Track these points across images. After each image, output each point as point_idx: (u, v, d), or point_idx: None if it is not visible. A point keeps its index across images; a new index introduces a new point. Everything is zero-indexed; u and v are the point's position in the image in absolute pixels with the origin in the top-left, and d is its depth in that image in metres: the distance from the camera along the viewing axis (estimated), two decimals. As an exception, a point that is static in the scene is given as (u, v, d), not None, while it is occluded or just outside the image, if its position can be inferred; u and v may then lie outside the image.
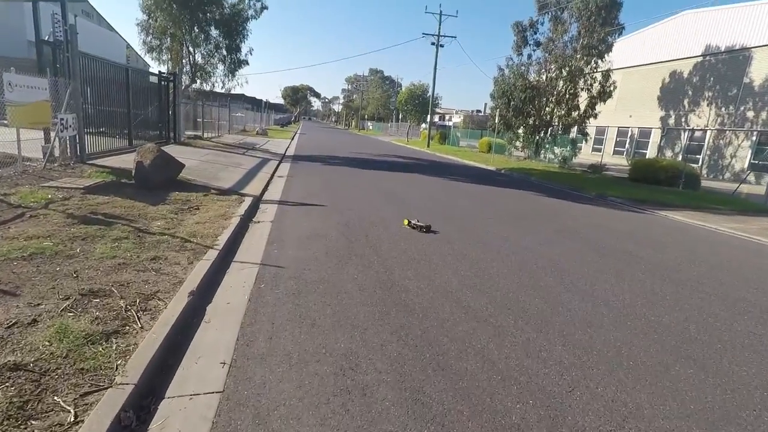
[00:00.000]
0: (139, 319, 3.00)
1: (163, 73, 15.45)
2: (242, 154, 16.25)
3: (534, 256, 5.72)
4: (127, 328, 2.88)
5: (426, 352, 3.03)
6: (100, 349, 2.57)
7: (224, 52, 18.75)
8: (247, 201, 7.59)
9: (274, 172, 12.46)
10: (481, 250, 5.76)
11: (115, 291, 3.35)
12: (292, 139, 31.97)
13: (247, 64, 19.44)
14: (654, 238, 7.62)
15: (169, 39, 17.49)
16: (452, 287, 4.29)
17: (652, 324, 3.82)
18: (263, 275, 4.26)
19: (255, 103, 59.51)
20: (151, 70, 19.75)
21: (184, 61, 18.51)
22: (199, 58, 18.80)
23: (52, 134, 8.48)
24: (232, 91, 20.84)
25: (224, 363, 2.72)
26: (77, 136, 9.04)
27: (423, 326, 3.41)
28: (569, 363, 3.03)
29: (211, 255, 4.55)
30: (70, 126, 8.59)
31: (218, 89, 20.03)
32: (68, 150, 9.06)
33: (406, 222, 6.71)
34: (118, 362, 2.48)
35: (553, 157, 25.24)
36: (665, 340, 3.51)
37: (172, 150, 14.05)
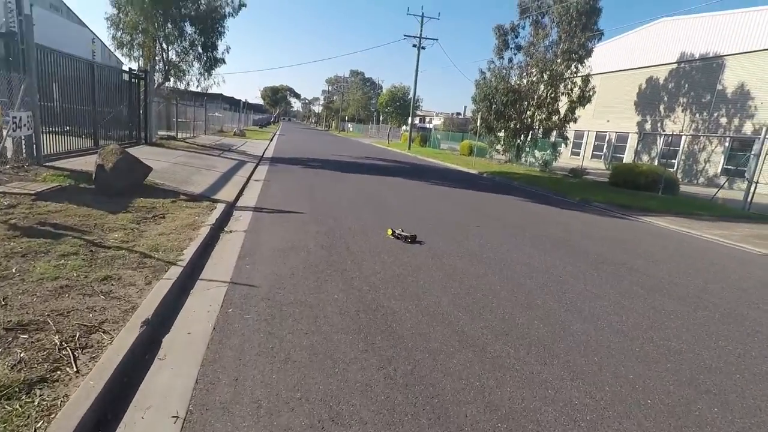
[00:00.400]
0: (75, 360, 2.49)
1: (134, 70, 14.65)
2: (218, 155, 15.58)
3: (527, 269, 5.38)
4: (59, 373, 2.37)
5: (418, 393, 2.62)
6: (17, 407, 2.06)
7: (200, 50, 17.98)
8: (220, 208, 7.06)
9: (251, 175, 11.89)
10: (470, 263, 5.39)
11: (51, 323, 2.83)
12: (271, 140, 31.23)
13: (224, 62, 18.72)
14: (644, 247, 7.42)
15: (141, 35, 16.64)
16: (443, 309, 3.90)
17: (662, 350, 3.51)
18: (232, 296, 3.78)
19: (233, 103, 58.21)
20: (124, 67, 18.85)
21: (157, 58, 17.68)
22: (173, 56, 17.99)
23: (4, 133, 7.75)
24: (209, 91, 20.02)
25: (177, 416, 2.25)
26: (33, 136, 8.31)
27: (413, 359, 3.00)
28: (580, 403, 2.67)
29: (174, 273, 4.04)
30: (25, 125, 7.86)
31: (194, 88, 19.23)
32: (23, 151, 8.33)
33: (389, 232, 6.30)
34: (38, 425, 1.98)
35: (533, 160, 25.29)
36: (680, 370, 3.19)
37: (142, 151, 13.32)
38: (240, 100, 57.42)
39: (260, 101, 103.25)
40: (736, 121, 22.16)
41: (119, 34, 16.09)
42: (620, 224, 9.71)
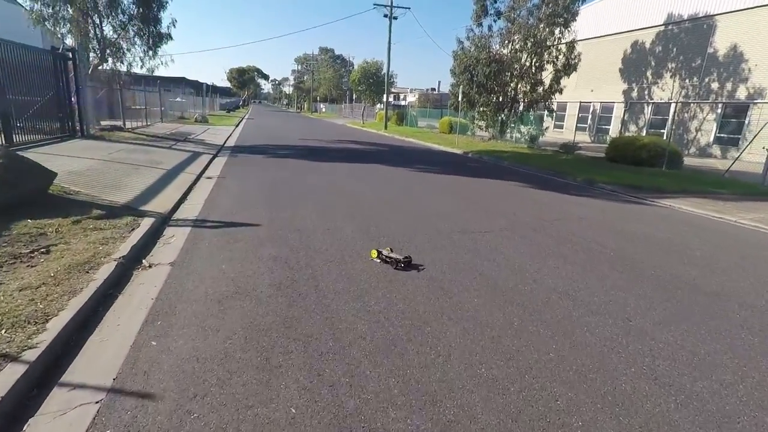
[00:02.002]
0: None
1: (57, 48, 12.28)
2: (168, 147, 13.48)
3: (577, 308, 3.83)
4: None
5: None
6: None
7: (140, 24, 15.53)
8: (144, 226, 5.24)
9: (203, 171, 9.96)
10: (496, 302, 3.80)
11: None
12: (237, 125, 28.83)
13: (171, 38, 16.32)
14: (687, 245, 6.00)
15: (67, 6, 14.10)
16: (483, 421, 2.30)
17: None
18: (105, 427, 2.09)
19: (198, 87, 54.69)
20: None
21: (90, 35, 15.18)
22: (109, 32, 15.51)
23: None
24: (156, 72, 17.61)
25: None
26: None
27: None
28: None
29: (7, 380, 2.31)
30: None
31: (138, 70, 16.80)
32: None
33: (374, 254, 4.63)
34: None
35: (519, 136, 23.85)
36: None
37: (70, 147, 11.16)
38: (203, 83, 53.95)
39: (228, 84, 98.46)
40: (728, 85, 21.07)
41: (38, 5, 13.55)
42: (643, 213, 8.29)
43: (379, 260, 4.55)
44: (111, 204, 6.13)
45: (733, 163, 12.93)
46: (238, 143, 17.04)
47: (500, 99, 24.02)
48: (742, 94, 20.45)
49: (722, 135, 21.38)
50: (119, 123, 17.58)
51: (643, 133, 24.70)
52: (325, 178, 9.79)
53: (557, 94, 23.77)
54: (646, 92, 25.59)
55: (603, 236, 6.12)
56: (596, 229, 6.53)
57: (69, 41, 15.02)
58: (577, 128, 30.15)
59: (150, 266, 4.21)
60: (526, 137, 22.87)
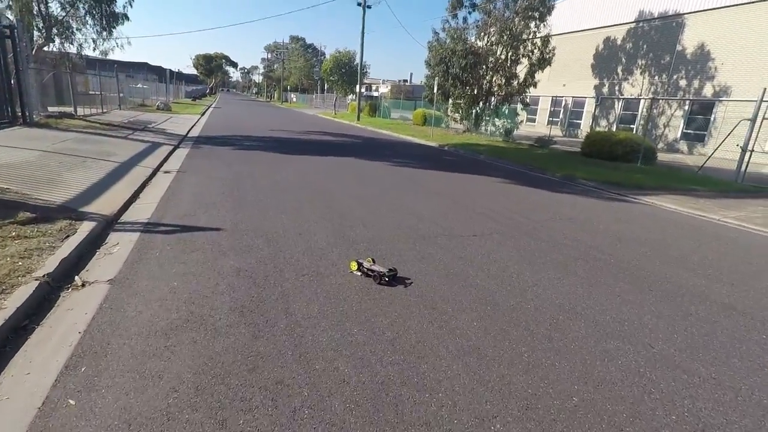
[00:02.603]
0: None
1: (-7, 25, 10.93)
2: (124, 137, 12.36)
3: (591, 332, 3.37)
4: None
5: None
6: None
7: (92, 1, 14.18)
8: (82, 233, 4.46)
9: (161, 165, 9.05)
10: (499, 325, 3.29)
11: None
12: (203, 114, 27.41)
13: (127, 18, 15.01)
14: (681, 248, 5.71)
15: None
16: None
17: None
18: None
19: (161, 74, 52.02)
20: None
21: (34, 12, 13.73)
22: (56, 8, 14.08)
23: None
24: (112, 56, 16.24)
25: None
26: None
27: None
28: None
29: None
30: None
31: (89, 52, 15.40)
32: None
33: (354, 266, 4.03)
34: None
35: (494, 129, 23.64)
36: None
37: (13, 134, 9.96)
38: (167, 69, 51.36)
39: (195, 71, 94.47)
40: (696, 83, 21.48)
41: (-32, -23, 12.06)
42: (629, 212, 8.03)
43: (360, 273, 3.96)
44: (45, 204, 5.27)
45: (706, 161, 13.00)
46: (202, 134, 15.97)
47: (475, 92, 23.70)
48: (708, 91, 20.87)
49: (689, 131, 21.83)
50: (70, 110, 16.14)
51: (614, 128, 25.01)
52: (296, 173, 9.08)
53: (531, 88, 23.66)
54: (616, 88, 25.88)
55: (597, 239, 5.74)
56: (588, 231, 6.15)
57: (10, 16, 13.54)
58: (549, 122, 30.35)
59: (83, 285, 3.48)
60: (501, 131, 22.68)
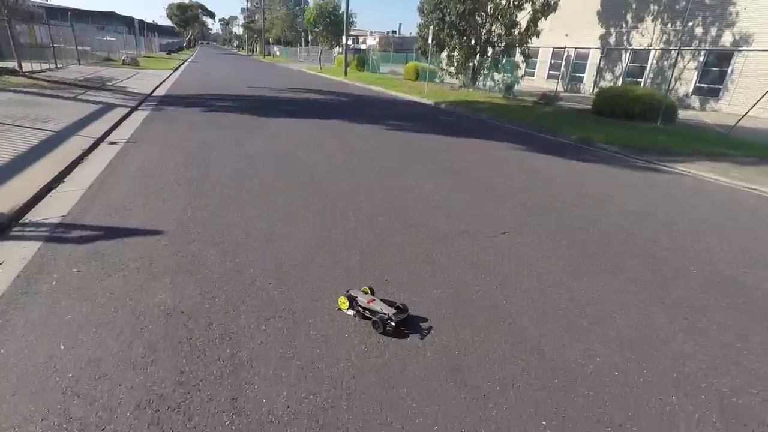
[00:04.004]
0: None
1: None
2: (72, 98, 10.59)
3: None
4: None
5: None
6: None
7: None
8: (-51, 247, 3.08)
9: (107, 133, 7.49)
10: (570, 420, 2.08)
11: None
12: (175, 69, 25.04)
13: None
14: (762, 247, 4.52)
15: None
16: None
17: None
18: None
19: (131, 25, 47.98)
20: None
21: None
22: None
23: None
24: (71, 3, 13.95)
25: None
26: None
27: None
28: None
29: None
30: None
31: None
32: None
33: (344, 304, 2.74)
34: None
35: (492, 84, 21.87)
36: None
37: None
38: (135, 19, 47.38)
39: (170, 23, 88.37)
40: (713, 31, 19.72)
41: None
42: (668, 186, 6.78)
43: (352, 313, 2.69)
44: None
45: (739, 120, 11.66)
46: (170, 93, 14.12)
47: (473, 42, 21.67)
48: (726, 40, 19.18)
49: (702, 85, 20.32)
50: (13, 65, 14.07)
51: (620, 82, 23.37)
52: (272, 141, 7.59)
53: (533, 38, 21.69)
54: (624, 38, 23.95)
55: (654, 232, 4.50)
56: (637, 218, 4.90)
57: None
58: (549, 76, 28.52)
59: None
60: (501, 86, 20.95)
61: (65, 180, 5.02)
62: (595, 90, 24.58)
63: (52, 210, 4.11)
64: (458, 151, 8.03)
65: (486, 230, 4.18)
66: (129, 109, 9.92)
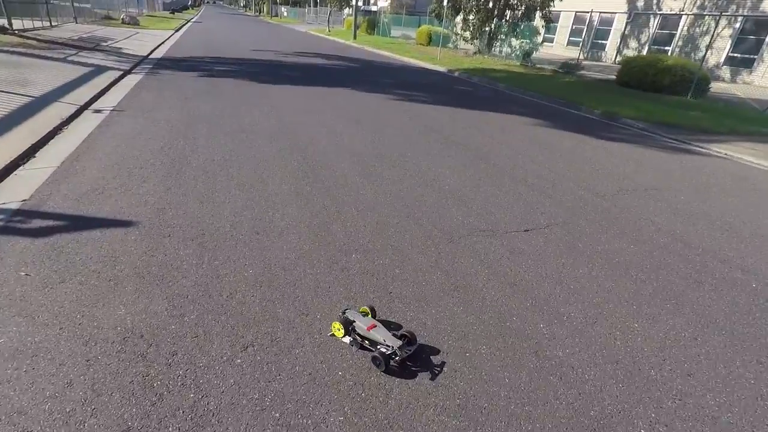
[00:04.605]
0: None
1: None
2: (61, 59, 9.92)
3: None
4: None
5: None
6: None
7: None
8: None
9: (93, 99, 6.90)
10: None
11: None
12: (178, 29, 23.97)
13: None
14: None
15: None
16: None
17: None
18: None
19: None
20: None
21: None
22: None
23: None
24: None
25: None
26: None
27: None
28: None
29: None
30: None
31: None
32: None
33: (339, 331, 2.23)
34: None
35: (509, 51, 20.65)
36: None
37: None
38: (138, -26, 45.39)
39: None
40: (752, -6, 18.20)
41: None
42: (709, 170, 6.11)
43: (349, 340, 2.19)
44: None
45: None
46: (168, 55, 13.34)
47: (491, 5, 20.33)
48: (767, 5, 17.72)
49: (735, 54, 18.98)
50: (2, 22, 13.31)
51: (645, 51, 21.98)
52: (271, 112, 6.96)
53: (555, 1, 20.27)
54: (654, 1, 22.34)
55: (715, 240, 3.91)
56: (684, 215, 4.29)
57: None
58: (569, 43, 27.00)
59: None
60: (518, 53, 19.76)
61: (36, 155, 4.50)
62: (618, 59, 23.21)
63: (13, 192, 3.61)
64: (475, 127, 7.35)
65: (508, 228, 3.63)
66: (121, 73, 9.25)
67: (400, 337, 2.15)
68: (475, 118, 8.02)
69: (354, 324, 2.20)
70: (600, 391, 2.02)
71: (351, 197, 3.99)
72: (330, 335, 2.25)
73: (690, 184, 5.28)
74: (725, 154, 7.10)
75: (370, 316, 2.30)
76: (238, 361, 2.05)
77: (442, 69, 15.96)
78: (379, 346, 2.10)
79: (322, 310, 2.44)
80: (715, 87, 15.03)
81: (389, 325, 2.32)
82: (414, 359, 2.12)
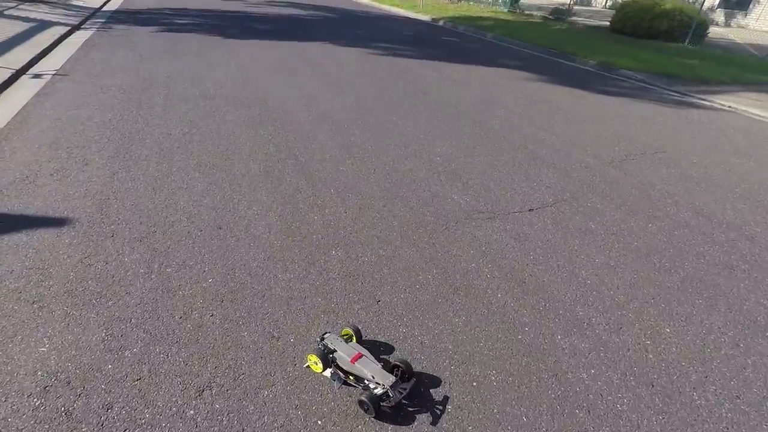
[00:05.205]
0: None
1: None
2: (-1, 15, 8.76)
3: None
4: None
5: None
6: None
7: None
8: None
9: (31, 63, 6.04)
10: None
11: None
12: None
13: None
14: None
15: None
16: None
17: None
18: None
19: None
20: None
21: None
22: None
23: None
24: None
25: None
26: None
27: None
28: None
29: None
30: None
31: None
32: None
33: (316, 365, 1.80)
34: None
35: (496, -4, 19.45)
36: None
37: None
38: None
39: None
40: (752, -71, 17.17)
41: None
42: (718, 126, 5.70)
43: (329, 374, 1.78)
44: None
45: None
46: (124, 6, 12.04)
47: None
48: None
49: (730, -4, 18.18)
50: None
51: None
52: (238, 72, 6.23)
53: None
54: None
55: (742, 215, 3.53)
56: (706, 186, 3.90)
57: None
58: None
59: None
60: (506, -2, 18.62)
61: (-43, 135, 3.83)
62: (608, 3, 22.12)
63: (-77, 185, 3.00)
64: (465, 84, 6.74)
65: (511, 208, 3.19)
66: (68, 29, 8.22)
67: (392, 369, 1.74)
68: (464, 74, 7.37)
69: (335, 354, 1.78)
70: (637, 427, 1.67)
71: (329, 175, 3.48)
72: (305, 366, 1.83)
73: (699, 144, 4.88)
74: (729, 106, 6.68)
75: (354, 340, 1.88)
76: (191, 412, 1.63)
77: (425, 18, 14.91)
78: (366, 382, 1.70)
79: (297, 330, 2.01)
80: (711, 32, 14.39)
81: (378, 350, 1.91)
82: (410, 396, 1.72)
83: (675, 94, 7.19)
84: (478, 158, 3.99)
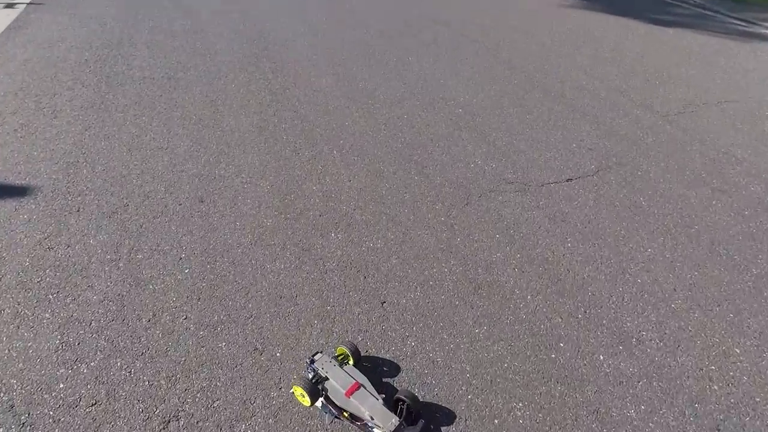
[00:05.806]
0: None
1: None
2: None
3: None
4: None
5: None
6: None
7: None
8: None
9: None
10: None
11: None
12: None
13: None
14: None
15: None
16: None
17: None
18: None
19: None
20: None
21: None
22: None
23: None
24: None
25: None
26: None
27: None
28: None
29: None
30: None
31: None
32: None
33: (303, 398, 1.48)
34: None
35: None
36: None
37: None
38: None
39: None
40: None
41: None
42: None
43: (320, 405, 1.46)
44: None
45: None
46: None
47: None
48: None
49: None
50: None
51: None
52: (236, 2, 5.49)
53: None
54: None
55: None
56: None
57: None
58: None
59: None
60: None
61: None
62: None
63: None
64: (491, 13, 5.86)
65: (546, 178, 2.69)
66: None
67: (395, 405, 1.42)
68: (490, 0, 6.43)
69: (326, 383, 1.45)
70: (700, 492, 1.34)
71: (333, 132, 3.00)
72: (291, 392, 1.52)
73: (771, 92, 4.14)
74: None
75: (351, 362, 1.54)
76: (150, 453, 1.35)
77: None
78: (363, 424, 1.38)
79: (284, 342, 1.68)
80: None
81: (380, 370, 1.58)
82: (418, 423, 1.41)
83: (741, 23, 6.18)
84: (506, 110, 3.41)
